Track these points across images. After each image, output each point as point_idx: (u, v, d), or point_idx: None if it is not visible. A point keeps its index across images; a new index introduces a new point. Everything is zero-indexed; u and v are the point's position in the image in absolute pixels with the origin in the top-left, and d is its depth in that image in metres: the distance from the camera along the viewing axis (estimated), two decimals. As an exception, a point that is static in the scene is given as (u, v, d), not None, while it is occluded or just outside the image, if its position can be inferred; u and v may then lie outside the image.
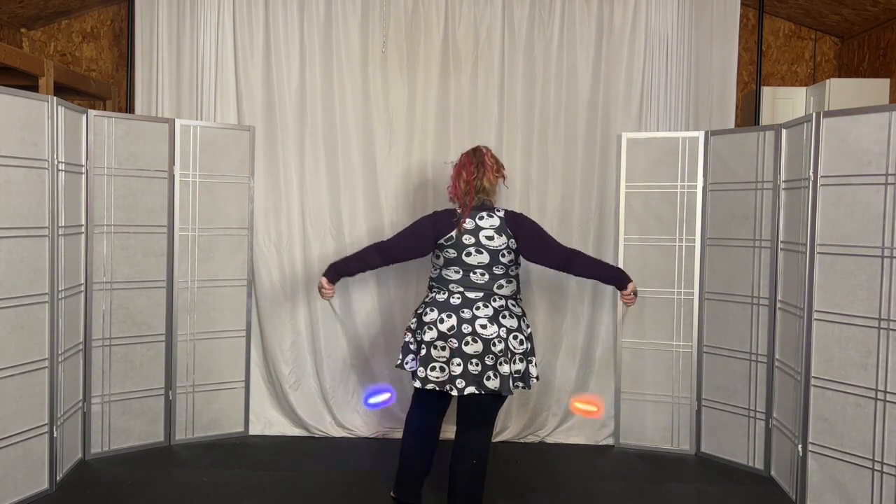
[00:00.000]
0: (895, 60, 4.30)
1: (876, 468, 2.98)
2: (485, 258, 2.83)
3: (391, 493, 3.12)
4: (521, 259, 2.99)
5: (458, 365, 2.76)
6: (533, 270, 4.03)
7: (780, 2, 4.55)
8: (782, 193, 3.45)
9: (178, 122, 3.80)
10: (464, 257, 2.84)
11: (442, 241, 2.87)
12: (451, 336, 2.77)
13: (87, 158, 3.53)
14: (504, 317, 2.81)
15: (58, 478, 3.31)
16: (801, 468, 3.23)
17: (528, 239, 2.89)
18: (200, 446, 3.87)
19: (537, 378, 2.95)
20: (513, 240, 2.85)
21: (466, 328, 2.77)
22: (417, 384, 2.83)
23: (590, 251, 4.04)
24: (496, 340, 2.77)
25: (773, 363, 3.53)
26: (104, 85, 4.51)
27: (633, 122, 4.05)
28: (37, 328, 3.17)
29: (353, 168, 4.05)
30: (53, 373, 3.24)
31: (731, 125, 4.06)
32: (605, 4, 4.04)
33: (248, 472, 3.54)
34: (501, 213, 2.89)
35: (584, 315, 4.07)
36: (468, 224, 2.84)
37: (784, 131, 3.44)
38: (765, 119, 4.42)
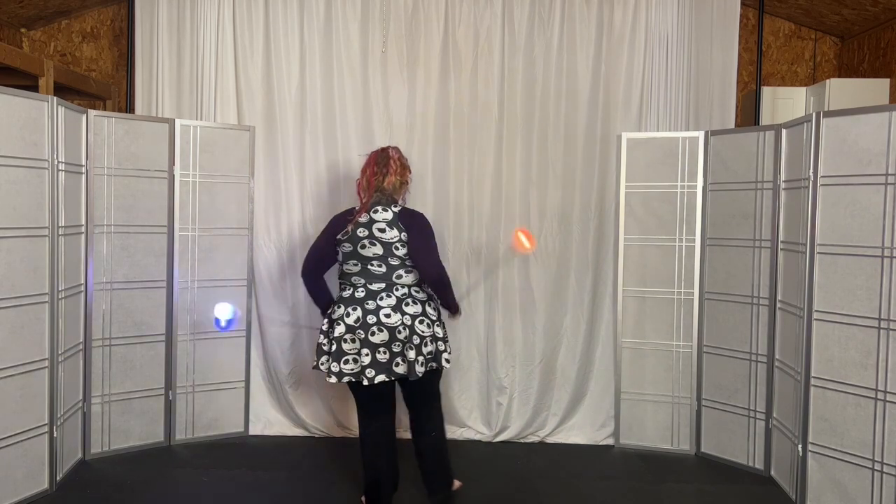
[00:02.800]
0: (895, 60, 4.30)
1: (876, 468, 2.98)
2: (378, 249, 2.91)
3: (361, 500, 3.11)
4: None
5: (367, 355, 2.83)
6: (533, 270, 4.04)
7: (780, 2, 4.55)
8: (782, 193, 3.45)
9: (178, 122, 3.80)
10: (359, 249, 2.93)
11: (339, 236, 2.98)
12: (359, 328, 2.85)
13: (87, 158, 3.53)
14: (407, 304, 2.90)
15: (58, 478, 3.31)
16: (801, 468, 3.23)
17: (414, 241, 2.94)
18: (200, 446, 3.87)
19: (448, 361, 3.01)
20: (405, 233, 2.92)
21: (371, 319, 2.85)
22: (333, 380, 2.89)
23: (589, 251, 4.05)
24: (400, 328, 2.85)
25: (773, 363, 3.53)
26: (104, 85, 4.50)
27: (633, 122, 4.05)
28: (37, 328, 3.17)
29: (353, 168, 4.04)
30: (53, 373, 3.24)
31: (731, 125, 4.06)
32: (605, 4, 4.04)
33: (248, 472, 3.54)
34: (397, 209, 2.96)
35: (584, 315, 4.07)
36: (362, 218, 2.93)
37: (784, 131, 3.44)
38: (765, 119, 4.42)
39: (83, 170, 3.52)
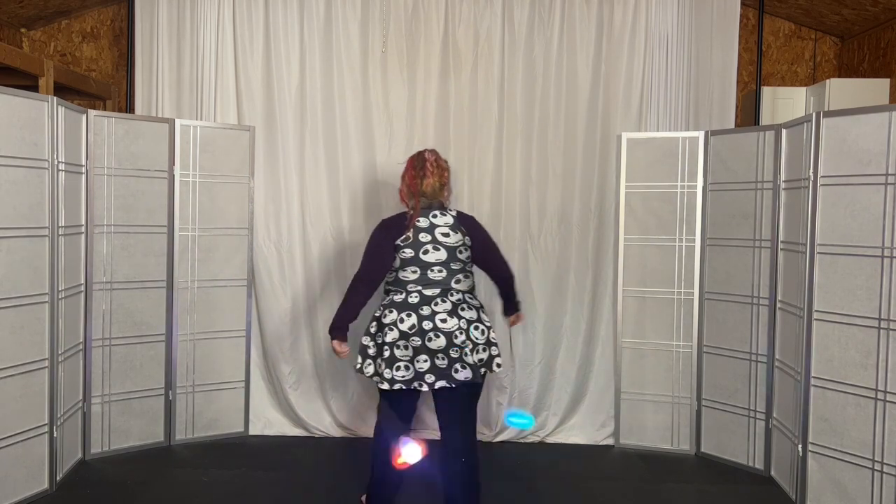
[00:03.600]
0: (895, 60, 4.30)
1: (876, 468, 2.98)
2: (442, 255, 2.86)
3: (361, 500, 3.07)
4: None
5: (425, 361, 2.77)
6: (533, 270, 4.04)
7: (780, 2, 4.55)
8: (782, 193, 3.45)
9: (178, 122, 3.80)
10: (421, 255, 2.86)
11: (398, 241, 2.87)
12: (413, 335, 2.77)
13: (87, 158, 3.53)
14: (462, 309, 2.84)
15: (58, 478, 3.31)
16: (801, 468, 3.23)
17: (482, 242, 2.96)
18: (200, 446, 3.87)
19: (500, 366, 2.95)
20: (468, 237, 2.90)
21: (427, 325, 2.78)
22: (385, 386, 2.79)
23: (589, 251, 4.05)
24: (457, 332, 2.79)
25: (773, 363, 3.53)
26: (104, 85, 4.50)
27: (633, 122, 4.05)
28: (37, 328, 3.17)
29: (353, 168, 4.05)
30: (53, 373, 3.24)
31: (731, 125, 4.06)
32: (605, 4, 4.04)
33: (248, 472, 3.54)
34: (454, 213, 2.94)
35: (584, 315, 4.07)
36: (422, 222, 2.88)
37: (784, 131, 3.44)
38: (765, 119, 4.42)
39: (83, 170, 3.52)
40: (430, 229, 2.87)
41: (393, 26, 4.04)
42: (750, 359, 3.63)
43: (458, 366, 2.78)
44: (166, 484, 3.37)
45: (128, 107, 4.17)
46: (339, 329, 2.91)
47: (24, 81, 3.86)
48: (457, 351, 2.78)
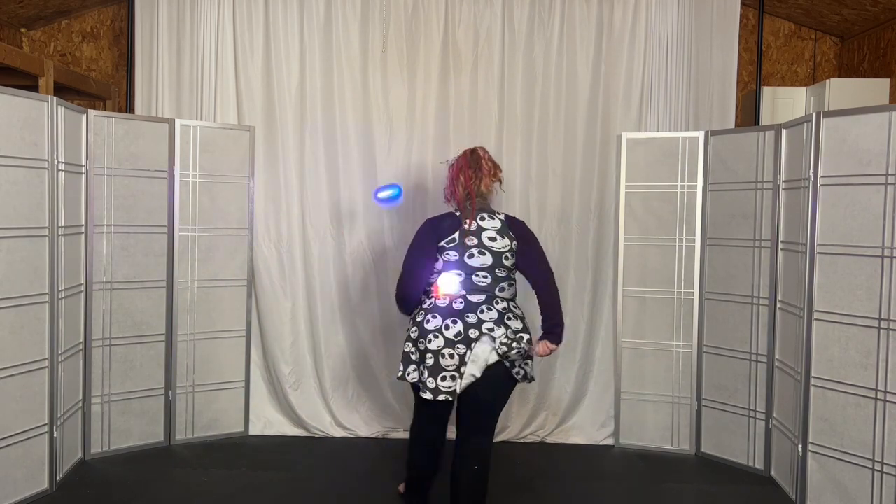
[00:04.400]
0: (895, 60, 4.30)
1: (876, 468, 2.98)
2: (488, 259, 2.76)
3: (399, 489, 3.17)
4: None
5: (472, 375, 2.70)
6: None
7: (780, 2, 4.55)
8: (782, 193, 3.45)
9: (178, 122, 3.80)
10: (466, 259, 2.76)
11: (443, 242, 2.77)
12: (459, 342, 2.67)
13: (87, 158, 3.53)
14: (509, 318, 2.74)
15: (58, 478, 3.31)
16: (801, 468, 3.23)
17: (527, 245, 2.83)
18: (200, 446, 3.87)
19: (532, 379, 2.91)
20: (515, 242, 2.79)
21: (474, 333, 2.68)
22: (428, 396, 2.68)
23: (589, 251, 4.05)
24: (504, 340, 2.70)
25: (773, 363, 3.53)
26: (104, 85, 4.50)
27: (633, 122, 4.05)
28: (37, 328, 3.17)
29: (353, 168, 4.05)
30: (53, 373, 3.24)
31: (731, 125, 4.06)
32: (605, 4, 4.04)
33: (248, 472, 3.54)
34: (502, 216, 2.84)
35: (584, 315, 4.07)
36: (472, 225, 2.78)
37: (784, 131, 3.44)
38: (765, 119, 4.42)
39: (83, 170, 3.52)
40: (478, 232, 2.77)
41: (393, 26, 4.04)
42: (750, 359, 3.63)
43: (511, 372, 2.76)
44: (166, 484, 3.37)
45: (128, 107, 4.17)
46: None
47: (24, 81, 3.86)
48: (508, 361, 2.73)
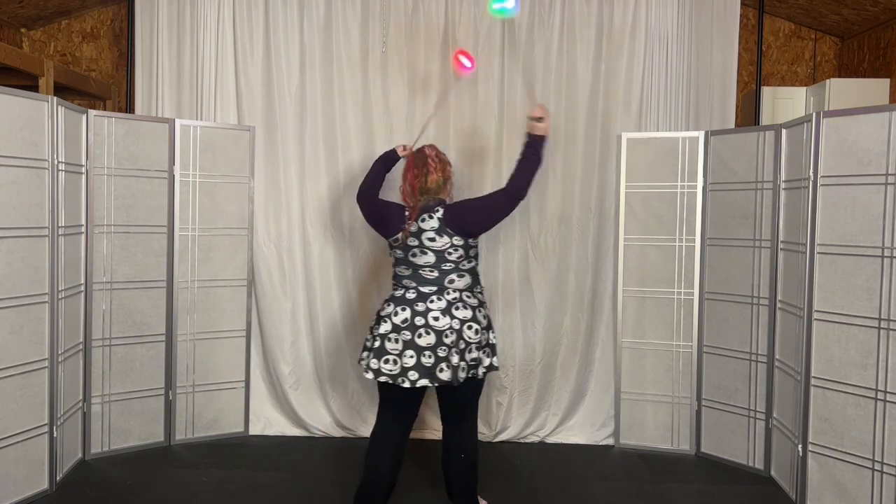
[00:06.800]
0: (895, 60, 4.30)
1: (876, 468, 2.98)
2: (430, 258, 2.85)
3: None
4: (479, 251, 3.09)
5: (411, 357, 2.76)
6: (533, 270, 4.03)
7: (780, 2, 4.55)
8: (782, 193, 3.45)
9: (178, 122, 3.80)
10: (410, 258, 2.88)
11: (390, 240, 2.94)
12: (405, 328, 2.79)
13: (87, 158, 3.54)
14: (457, 308, 2.82)
15: (58, 478, 3.31)
16: (801, 468, 3.23)
17: (466, 215, 2.87)
18: (200, 446, 3.87)
19: (496, 367, 2.93)
20: (456, 237, 2.84)
21: (420, 321, 2.79)
22: (370, 376, 2.81)
23: (589, 251, 4.05)
24: (448, 332, 2.77)
25: (773, 363, 3.53)
26: (104, 85, 4.51)
27: (633, 122, 4.05)
28: (37, 328, 3.17)
29: (353, 168, 4.05)
30: (53, 373, 3.24)
31: (731, 125, 4.06)
32: (605, 4, 4.04)
33: (248, 472, 3.54)
34: (440, 213, 2.86)
35: (583, 315, 4.07)
36: (412, 227, 2.87)
37: (784, 131, 3.44)
38: (765, 119, 4.42)
39: (83, 170, 3.52)
40: (418, 233, 2.86)
41: (393, 26, 4.03)
42: (750, 359, 3.63)
43: (443, 365, 2.78)
44: (166, 484, 3.37)
45: (128, 107, 4.17)
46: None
47: (24, 81, 3.87)
48: (444, 350, 2.78)
